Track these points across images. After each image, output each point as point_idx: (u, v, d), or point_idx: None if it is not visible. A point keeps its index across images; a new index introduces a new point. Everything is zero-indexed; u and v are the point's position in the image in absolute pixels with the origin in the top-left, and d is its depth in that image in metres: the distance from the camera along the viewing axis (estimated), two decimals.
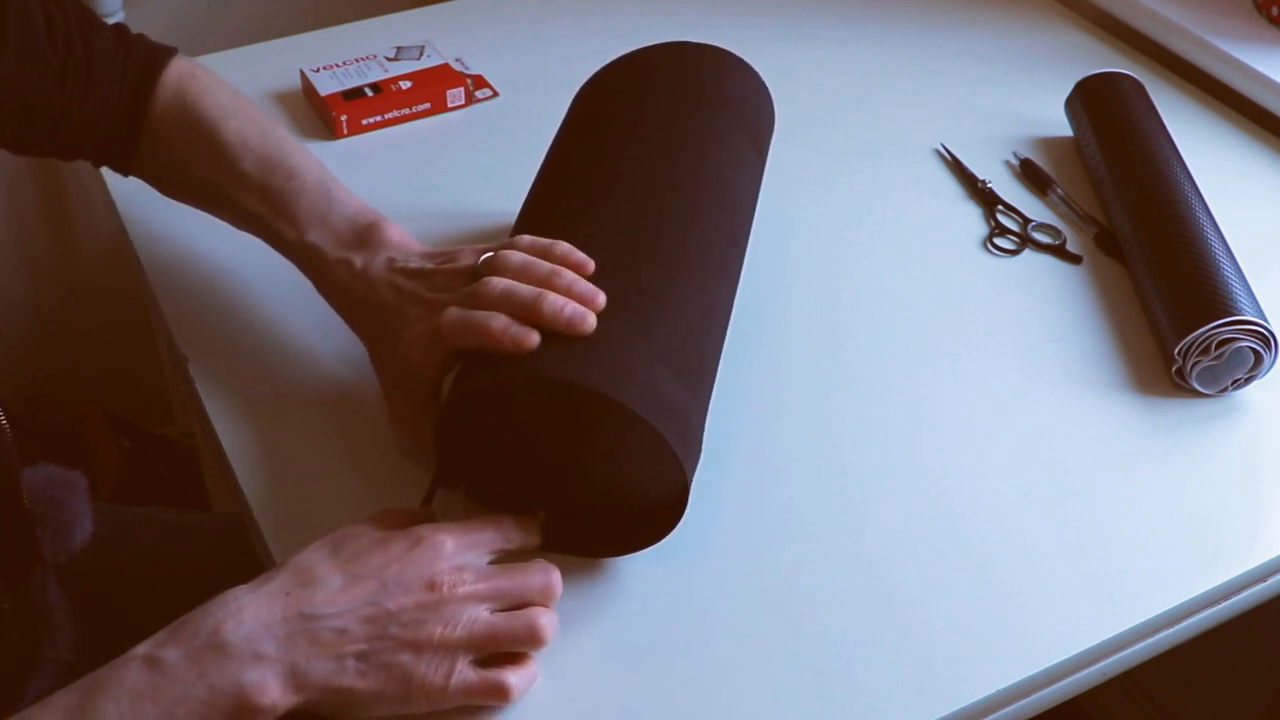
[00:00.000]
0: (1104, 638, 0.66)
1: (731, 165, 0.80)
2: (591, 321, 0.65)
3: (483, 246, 0.72)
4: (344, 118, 1.02)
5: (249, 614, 0.58)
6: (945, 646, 0.66)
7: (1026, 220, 0.94)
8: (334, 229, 0.76)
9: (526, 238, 0.71)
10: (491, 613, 0.62)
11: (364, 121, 1.03)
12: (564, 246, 0.69)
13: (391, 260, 0.74)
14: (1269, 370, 0.79)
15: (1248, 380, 0.80)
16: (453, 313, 0.67)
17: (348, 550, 0.62)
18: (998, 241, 0.93)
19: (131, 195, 0.95)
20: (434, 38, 1.12)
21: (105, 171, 0.98)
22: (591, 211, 0.74)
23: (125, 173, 0.84)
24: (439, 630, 0.60)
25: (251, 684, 0.56)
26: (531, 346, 0.64)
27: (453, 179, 0.98)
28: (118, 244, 0.96)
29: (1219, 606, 0.71)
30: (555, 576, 0.64)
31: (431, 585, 0.60)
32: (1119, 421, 0.79)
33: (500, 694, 0.61)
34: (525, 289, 0.66)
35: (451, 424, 0.66)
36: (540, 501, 0.68)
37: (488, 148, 1.02)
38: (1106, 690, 0.70)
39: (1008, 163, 1.01)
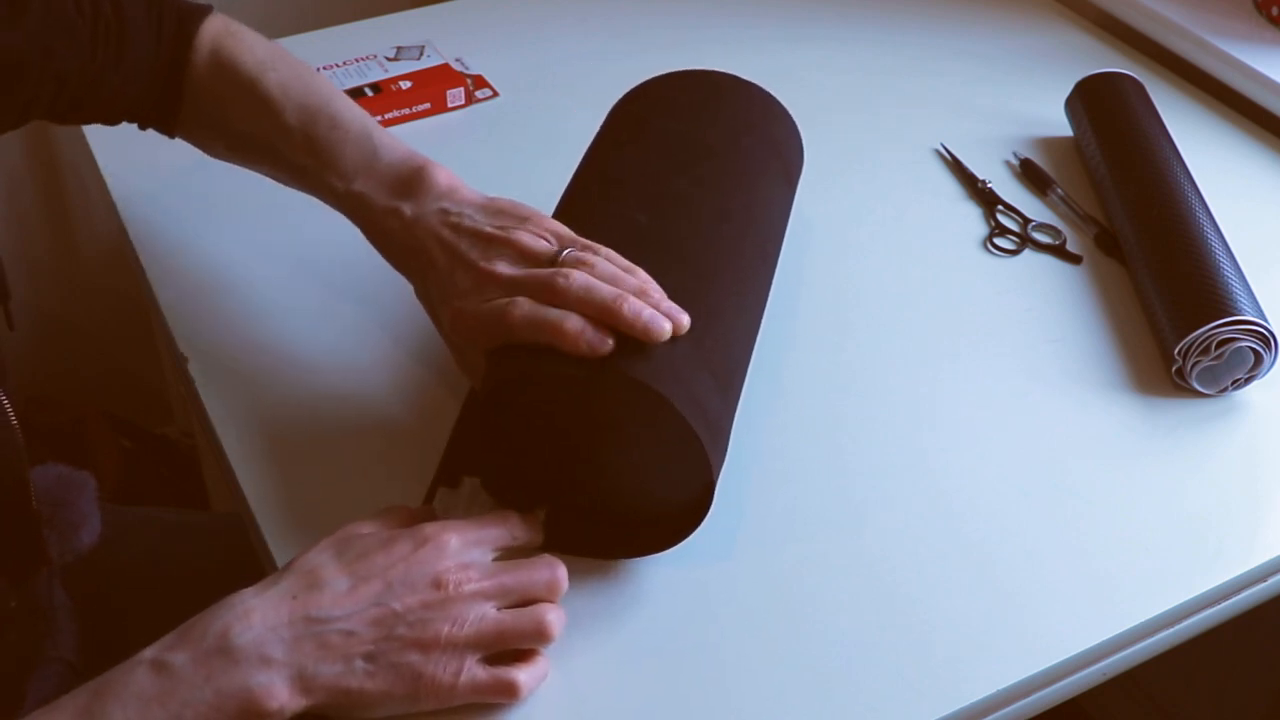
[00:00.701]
0: (1104, 638, 0.66)
1: (773, 202, 0.82)
2: (668, 330, 0.65)
3: (547, 223, 0.70)
4: None
5: (256, 618, 0.58)
6: (945, 646, 0.66)
7: (1026, 220, 0.94)
8: (380, 176, 0.75)
9: (610, 251, 0.69)
10: (498, 610, 0.62)
11: None
12: (644, 274, 0.68)
13: (444, 212, 0.72)
14: (1269, 370, 0.79)
15: (1248, 380, 0.80)
16: (524, 306, 0.65)
17: (353, 551, 0.62)
18: (998, 241, 0.93)
19: (131, 195, 0.96)
20: (434, 38, 1.12)
21: (105, 171, 0.98)
22: (646, 224, 0.74)
23: (171, 135, 0.83)
24: (446, 629, 0.60)
25: (259, 687, 0.56)
26: (606, 353, 0.63)
27: None
28: (118, 244, 0.96)
29: (1219, 606, 0.71)
30: (561, 571, 0.64)
31: (437, 584, 0.60)
32: (1119, 421, 0.79)
33: (509, 691, 0.61)
34: (606, 288, 0.65)
35: (489, 408, 0.66)
36: (557, 497, 0.68)
37: (488, 148, 1.02)
38: (1106, 690, 0.70)
39: (1008, 163, 1.01)
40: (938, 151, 1.02)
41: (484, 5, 1.22)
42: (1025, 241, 0.93)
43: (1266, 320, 0.78)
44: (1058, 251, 0.92)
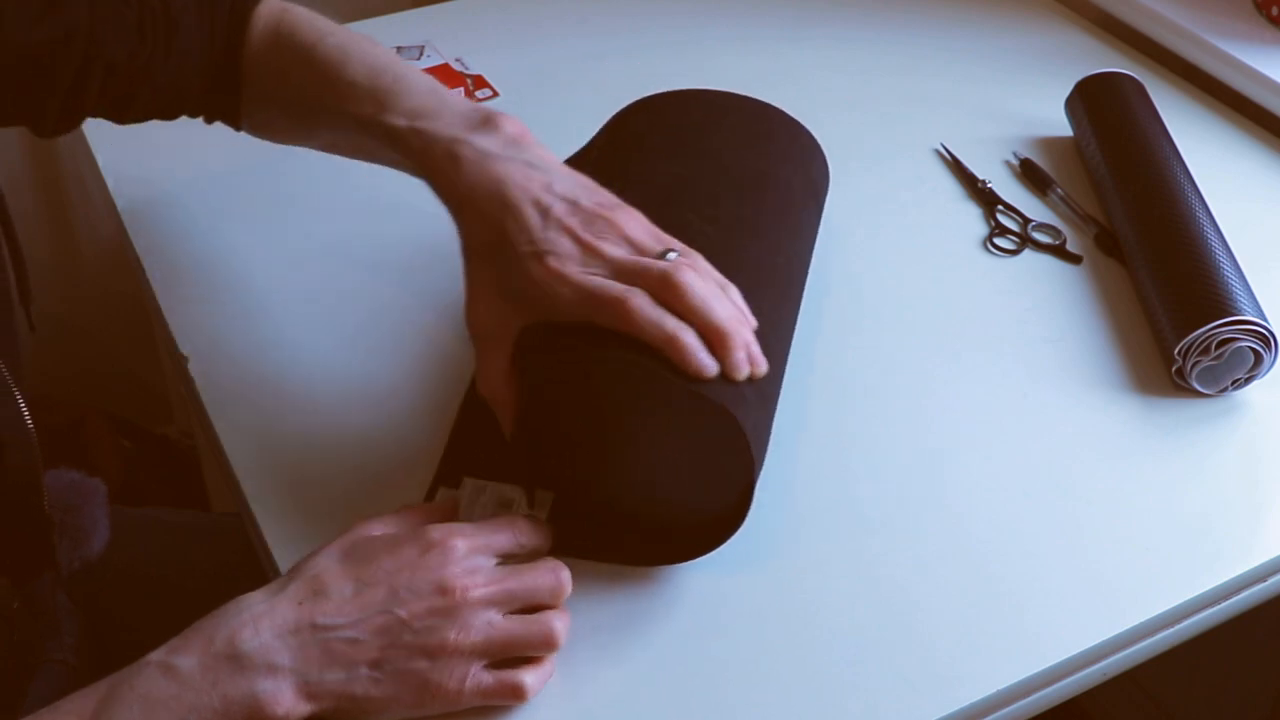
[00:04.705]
0: (1104, 638, 0.66)
1: (805, 211, 0.82)
2: (746, 374, 0.64)
3: (641, 217, 0.67)
4: None
5: (264, 624, 0.58)
6: (945, 646, 0.66)
7: (1026, 220, 0.94)
8: (448, 117, 0.71)
9: (705, 263, 0.67)
10: (504, 615, 0.62)
11: None
12: (736, 294, 0.67)
13: (530, 166, 0.67)
14: (1269, 370, 0.79)
15: (1248, 380, 0.80)
16: (643, 302, 0.63)
17: (359, 555, 0.61)
18: (998, 241, 0.93)
19: (131, 195, 0.96)
20: (434, 38, 1.12)
21: (106, 171, 0.98)
22: (714, 235, 0.72)
23: (237, 124, 0.82)
24: (452, 636, 0.59)
25: (265, 694, 0.56)
26: (708, 378, 0.63)
27: None
28: (118, 244, 0.96)
29: (1219, 606, 0.71)
30: (565, 575, 0.64)
31: (443, 590, 0.60)
32: (1119, 421, 0.79)
33: (516, 694, 0.61)
34: (720, 310, 0.64)
35: (539, 375, 0.64)
36: (586, 495, 0.68)
37: None
38: (1106, 690, 0.70)
39: (1008, 163, 1.01)
40: (938, 151, 1.02)
41: (484, 5, 1.22)
42: (1025, 241, 0.93)
43: (1266, 320, 0.78)
44: (1058, 251, 0.92)
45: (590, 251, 0.65)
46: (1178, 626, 0.70)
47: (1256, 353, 0.78)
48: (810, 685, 0.64)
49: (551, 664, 0.63)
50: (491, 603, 0.61)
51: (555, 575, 0.64)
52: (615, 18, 1.20)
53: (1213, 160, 1.00)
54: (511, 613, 0.62)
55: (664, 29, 1.18)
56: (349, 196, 0.95)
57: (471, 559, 0.62)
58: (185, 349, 0.82)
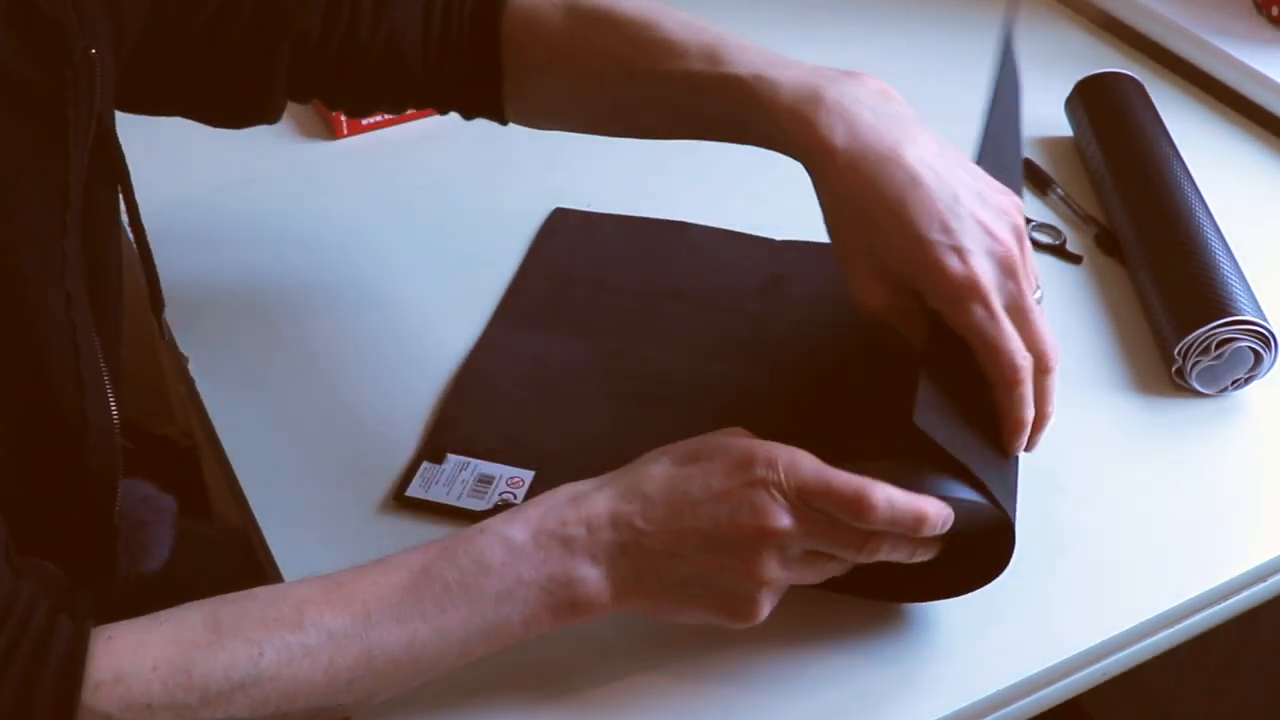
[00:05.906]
0: (1104, 638, 0.66)
1: None
2: None
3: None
4: (344, 118, 1.02)
5: (591, 515, 0.59)
6: (945, 646, 0.66)
7: (1027, 220, 0.94)
8: (797, 68, 0.66)
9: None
10: (806, 551, 0.60)
11: (364, 121, 1.03)
12: None
13: (919, 130, 0.63)
14: (1269, 370, 0.79)
15: (1248, 380, 0.80)
16: (1028, 393, 0.64)
17: (684, 461, 0.61)
18: None
19: None
20: None
21: None
22: None
23: (502, 116, 0.78)
24: (753, 567, 0.59)
25: (583, 580, 0.59)
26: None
27: (453, 180, 0.98)
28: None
29: (1219, 606, 0.71)
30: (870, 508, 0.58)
31: (754, 516, 0.58)
32: (1119, 421, 0.79)
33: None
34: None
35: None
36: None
37: (488, 148, 1.02)
38: (1106, 690, 0.70)
39: None
40: None
41: None
42: None
43: (1266, 320, 0.78)
44: (1058, 251, 0.92)
45: (1008, 270, 0.63)
46: (1178, 626, 0.70)
47: (1256, 353, 0.78)
48: (810, 684, 0.64)
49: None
50: (794, 537, 0.59)
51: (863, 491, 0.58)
52: None
53: (1213, 160, 0.99)
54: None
55: None
56: (349, 196, 0.95)
57: (781, 492, 0.59)
58: (185, 349, 0.83)
